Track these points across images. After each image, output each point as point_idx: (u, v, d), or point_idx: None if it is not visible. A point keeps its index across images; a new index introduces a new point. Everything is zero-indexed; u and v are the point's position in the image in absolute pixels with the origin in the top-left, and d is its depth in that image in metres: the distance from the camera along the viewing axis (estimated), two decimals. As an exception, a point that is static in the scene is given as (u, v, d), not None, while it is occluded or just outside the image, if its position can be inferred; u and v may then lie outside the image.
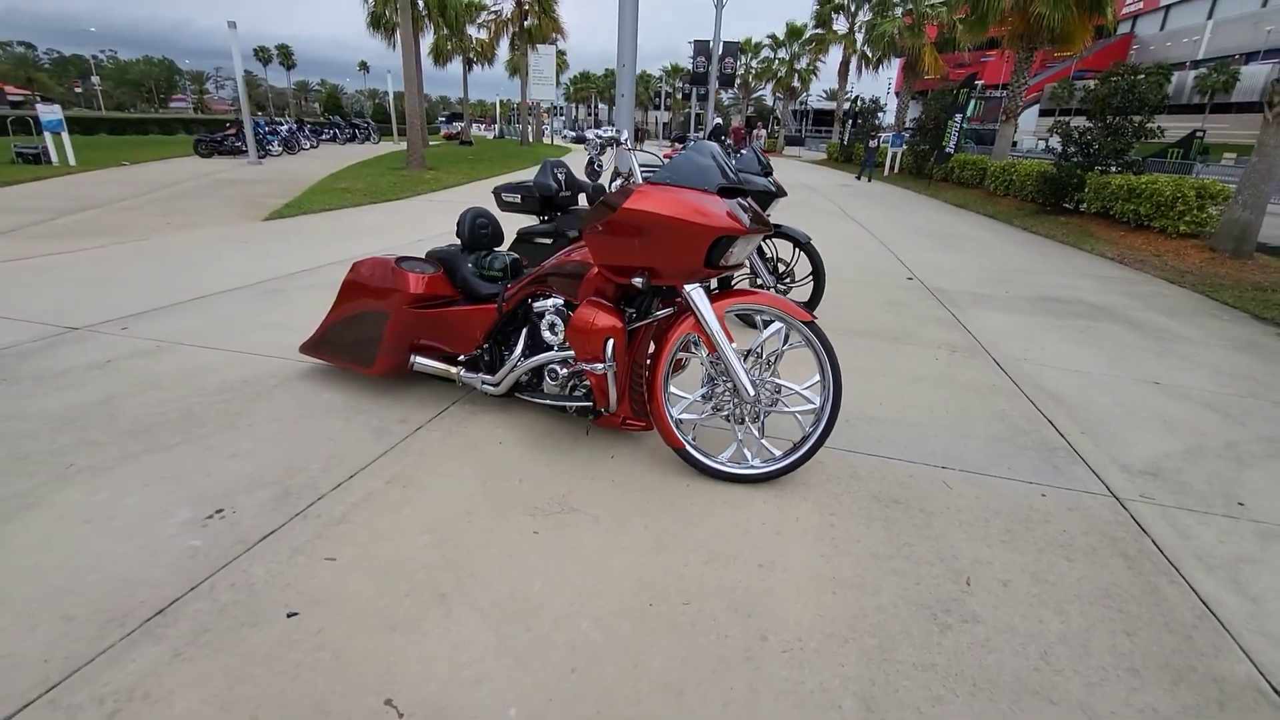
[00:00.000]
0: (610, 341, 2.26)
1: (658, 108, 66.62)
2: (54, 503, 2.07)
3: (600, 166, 2.36)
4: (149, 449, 2.42)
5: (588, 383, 2.47)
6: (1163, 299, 5.84)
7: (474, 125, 45.35)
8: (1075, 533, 2.17)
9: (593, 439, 2.66)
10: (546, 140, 40.90)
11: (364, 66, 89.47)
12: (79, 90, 75.37)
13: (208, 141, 18.48)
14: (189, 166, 15.10)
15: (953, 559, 1.99)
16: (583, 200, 4.24)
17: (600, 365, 2.28)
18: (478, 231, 2.97)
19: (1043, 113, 42.87)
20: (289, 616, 1.64)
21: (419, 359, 2.92)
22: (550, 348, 2.59)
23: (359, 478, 2.30)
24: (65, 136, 13.58)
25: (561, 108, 70.22)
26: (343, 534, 1.98)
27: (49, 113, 13.53)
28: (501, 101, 59.05)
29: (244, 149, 16.81)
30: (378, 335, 2.87)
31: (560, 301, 2.54)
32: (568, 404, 2.54)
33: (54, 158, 13.45)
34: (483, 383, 2.79)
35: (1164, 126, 10.82)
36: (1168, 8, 43.53)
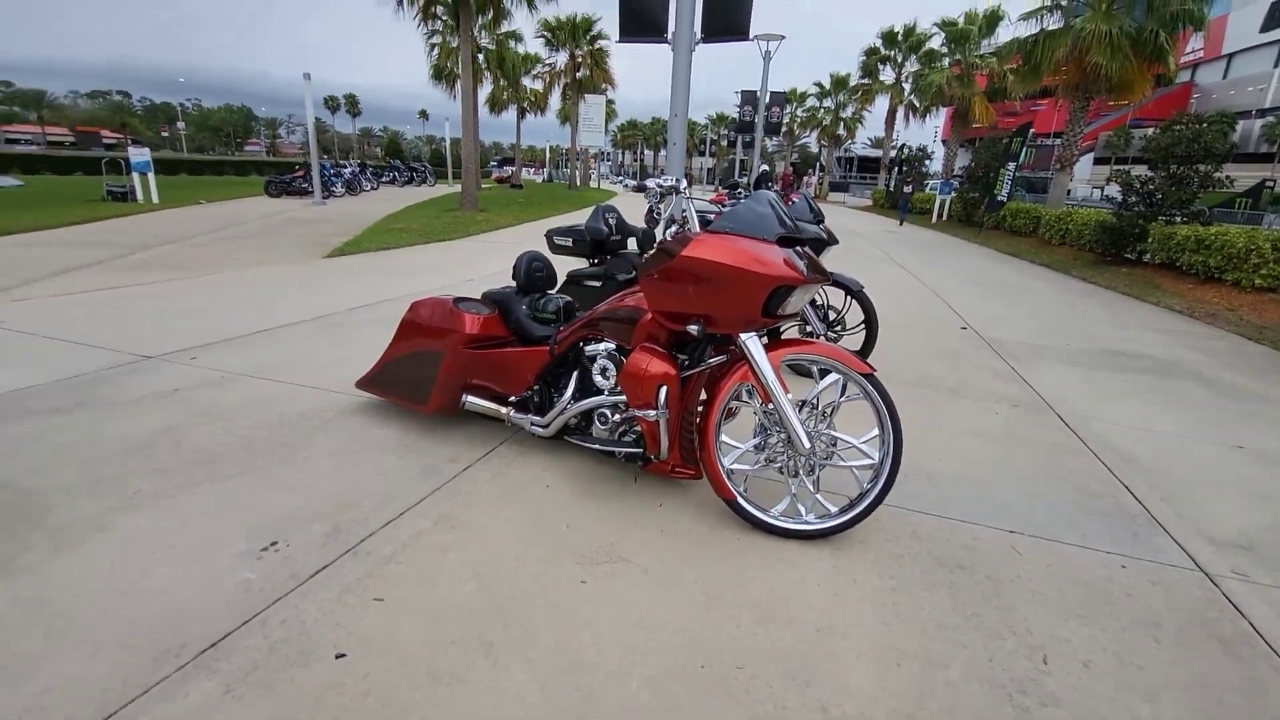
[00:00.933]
0: (664, 388, 2.24)
1: (702, 154, 67.93)
2: (121, 527, 2.13)
3: (659, 214, 2.39)
4: (211, 478, 2.49)
5: (637, 428, 2.45)
6: (1240, 356, 5.51)
7: (524, 169, 47.01)
8: (1161, 610, 2.00)
9: (641, 486, 2.62)
10: (594, 184, 42.04)
11: (424, 114, 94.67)
12: (165, 134, 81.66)
13: (277, 183, 19.71)
14: (259, 206, 16.03)
15: (1026, 634, 1.86)
16: (632, 244, 4.31)
17: (653, 412, 2.26)
18: (533, 274, 3.03)
19: (1097, 161, 41.99)
20: (337, 658, 1.63)
21: (470, 398, 2.96)
22: (600, 392, 2.59)
23: (408, 516, 2.30)
24: (151, 177, 14.66)
25: (609, 153, 72.41)
26: (392, 574, 1.97)
27: (138, 155, 14.66)
28: (551, 147, 61.26)
29: (310, 190, 17.80)
30: (432, 374, 2.93)
31: (612, 346, 2.54)
32: (616, 449, 2.52)
33: (139, 196, 14.51)
34: (532, 424, 2.80)
35: (1232, 176, 10.43)
36: (1230, 56, 42.51)
